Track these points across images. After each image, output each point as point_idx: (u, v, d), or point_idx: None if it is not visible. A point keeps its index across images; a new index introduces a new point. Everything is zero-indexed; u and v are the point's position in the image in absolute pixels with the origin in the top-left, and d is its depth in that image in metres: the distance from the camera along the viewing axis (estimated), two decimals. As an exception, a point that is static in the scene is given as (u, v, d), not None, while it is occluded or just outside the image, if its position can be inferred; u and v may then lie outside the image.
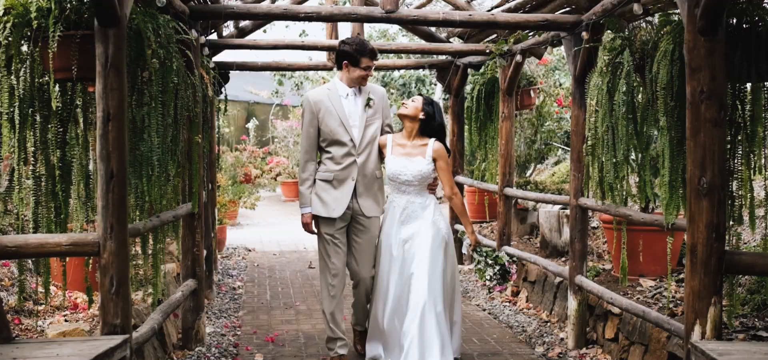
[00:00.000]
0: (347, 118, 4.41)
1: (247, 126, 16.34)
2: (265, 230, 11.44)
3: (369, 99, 4.50)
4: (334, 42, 7.00)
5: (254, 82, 18.56)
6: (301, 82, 15.16)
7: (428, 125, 4.44)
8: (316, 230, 4.51)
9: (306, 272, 8.02)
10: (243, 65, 7.67)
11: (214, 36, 6.45)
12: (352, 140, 4.40)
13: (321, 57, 8.12)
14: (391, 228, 4.42)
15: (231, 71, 7.40)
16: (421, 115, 4.42)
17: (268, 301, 6.58)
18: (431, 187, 4.53)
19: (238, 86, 16.53)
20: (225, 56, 7.69)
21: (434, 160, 4.40)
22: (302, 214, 4.52)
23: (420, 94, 4.49)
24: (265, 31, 8.54)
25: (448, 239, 4.46)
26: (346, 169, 4.42)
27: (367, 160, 4.46)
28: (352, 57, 4.38)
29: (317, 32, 11.21)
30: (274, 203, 15.34)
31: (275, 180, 15.69)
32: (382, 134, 4.56)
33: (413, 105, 4.44)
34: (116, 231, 3.22)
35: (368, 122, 4.48)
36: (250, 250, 9.55)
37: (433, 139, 4.44)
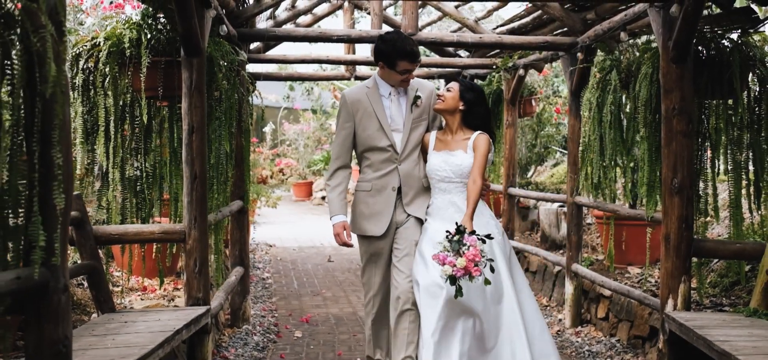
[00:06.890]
0: (389, 121, 3.79)
1: (263, 130, 17.08)
2: (282, 228, 12.18)
3: (416, 97, 3.83)
4: (353, 56, 7.73)
5: (263, 86, 19.26)
6: (312, 88, 15.96)
7: (471, 114, 3.80)
8: (350, 243, 3.83)
9: (326, 265, 8.75)
10: (269, 76, 8.36)
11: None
12: (392, 145, 3.78)
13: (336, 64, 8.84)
14: (426, 232, 3.74)
15: (257, 81, 8.10)
16: (460, 106, 3.78)
17: (296, 290, 7.31)
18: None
19: (249, 91, 17.27)
20: (249, 67, 8.39)
21: (475, 151, 3.73)
22: (333, 225, 3.83)
23: (457, 79, 3.99)
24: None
25: (495, 241, 3.57)
26: (385, 177, 3.81)
27: (413, 167, 3.83)
28: (387, 58, 3.70)
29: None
30: (287, 203, 16.07)
31: (286, 181, 16.44)
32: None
33: (449, 96, 3.79)
34: (198, 222, 3.96)
35: (414, 125, 3.83)
36: (271, 246, 10.28)
37: (478, 132, 3.78)
